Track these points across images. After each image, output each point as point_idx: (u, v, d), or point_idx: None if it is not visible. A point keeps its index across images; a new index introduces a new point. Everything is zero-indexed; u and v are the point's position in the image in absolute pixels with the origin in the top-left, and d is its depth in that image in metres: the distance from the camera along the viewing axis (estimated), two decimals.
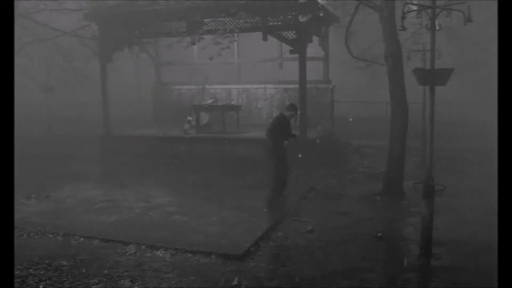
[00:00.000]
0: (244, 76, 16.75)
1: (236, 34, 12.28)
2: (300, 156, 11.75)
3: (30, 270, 6.11)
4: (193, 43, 12.39)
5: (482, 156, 12.09)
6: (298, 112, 12.73)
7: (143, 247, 6.83)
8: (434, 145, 6.56)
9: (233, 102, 15.34)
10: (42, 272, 6.05)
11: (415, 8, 7.20)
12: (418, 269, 6.35)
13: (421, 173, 8.70)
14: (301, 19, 9.90)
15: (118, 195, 9.87)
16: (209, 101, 15.26)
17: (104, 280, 5.86)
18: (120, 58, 15.76)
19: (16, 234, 7.38)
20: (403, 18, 6.36)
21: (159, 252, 6.68)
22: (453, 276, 5.99)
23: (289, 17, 11.79)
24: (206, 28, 12.38)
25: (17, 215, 8.10)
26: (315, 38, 13.49)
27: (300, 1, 9.43)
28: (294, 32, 12.07)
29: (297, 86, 12.76)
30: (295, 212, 8.65)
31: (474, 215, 8.28)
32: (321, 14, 10.39)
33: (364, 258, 6.54)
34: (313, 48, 13.82)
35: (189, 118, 14.31)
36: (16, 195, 8.95)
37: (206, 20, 12.47)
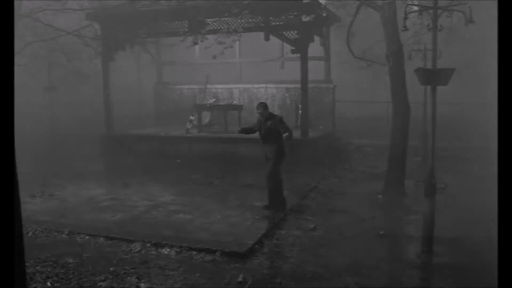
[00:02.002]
0: (246, 75, 16.83)
1: (238, 34, 12.36)
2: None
3: (37, 267, 6.19)
4: (195, 43, 12.46)
5: (482, 155, 12.17)
6: (300, 111, 12.88)
7: (148, 244, 6.90)
8: (435, 144, 6.64)
9: (234, 102, 15.42)
10: (49, 269, 6.13)
11: (417, 9, 7.28)
12: (420, 266, 6.44)
13: (422, 172, 8.81)
14: (304, 19, 9.99)
15: (122, 194, 9.94)
16: (211, 101, 15.36)
17: (111, 277, 5.93)
18: (121, 57, 15.83)
19: None
20: (405, 19, 6.45)
21: (164, 250, 6.76)
22: (454, 273, 6.07)
23: (291, 17, 11.88)
24: (208, 28, 12.46)
25: (22, 214, 8.19)
26: (316, 38, 13.58)
27: (303, 1, 9.51)
28: (296, 32, 12.17)
29: (298, 85, 12.85)
30: (298, 210, 8.72)
31: (475, 213, 8.35)
32: (324, 14, 10.47)
33: (367, 255, 6.63)
34: (314, 48, 13.91)
35: (191, 117, 14.40)
36: (20, 194, 9.03)
37: (208, 20, 12.55)
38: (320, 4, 10.45)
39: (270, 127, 8.38)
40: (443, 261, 6.44)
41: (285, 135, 8.24)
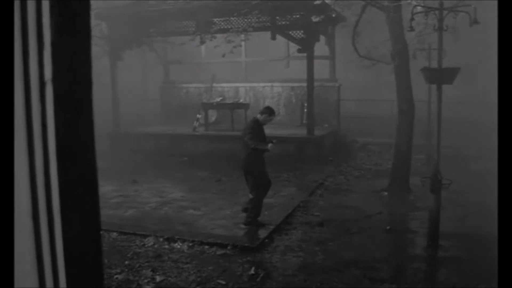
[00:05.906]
0: (251, 74, 16.99)
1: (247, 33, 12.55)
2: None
3: None
4: (203, 42, 12.64)
5: (485, 154, 12.29)
6: (305, 110, 13.03)
7: (161, 239, 7.08)
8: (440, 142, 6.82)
9: (241, 100, 15.60)
10: None
11: (421, 9, 7.45)
12: (426, 260, 6.63)
13: (426, 170, 8.95)
14: (314, 19, 10.16)
15: (132, 191, 10.13)
16: (218, 99, 15.53)
17: (126, 270, 6.13)
18: (126, 56, 15.99)
19: None
20: (412, 19, 6.61)
21: (176, 244, 6.94)
22: (460, 267, 6.24)
23: (298, 16, 12.05)
24: (216, 28, 12.62)
25: None
26: (322, 37, 13.73)
27: (315, 2, 9.69)
28: (302, 31, 12.34)
29: (303, 84, 13.02)
30: (305, 207, 8.91)
31: (479, 209, 8.48)
32: (333, 15, 10.65)
33: (374, 249, 6.81)
34: (319, 47, 14.06)
35: (198, 116, 14.58)
36: None
37: (216, 19, 12.73)
38: (329, 5, 10.63)
39: None
40: (448, 255, 6.61)
41: None
